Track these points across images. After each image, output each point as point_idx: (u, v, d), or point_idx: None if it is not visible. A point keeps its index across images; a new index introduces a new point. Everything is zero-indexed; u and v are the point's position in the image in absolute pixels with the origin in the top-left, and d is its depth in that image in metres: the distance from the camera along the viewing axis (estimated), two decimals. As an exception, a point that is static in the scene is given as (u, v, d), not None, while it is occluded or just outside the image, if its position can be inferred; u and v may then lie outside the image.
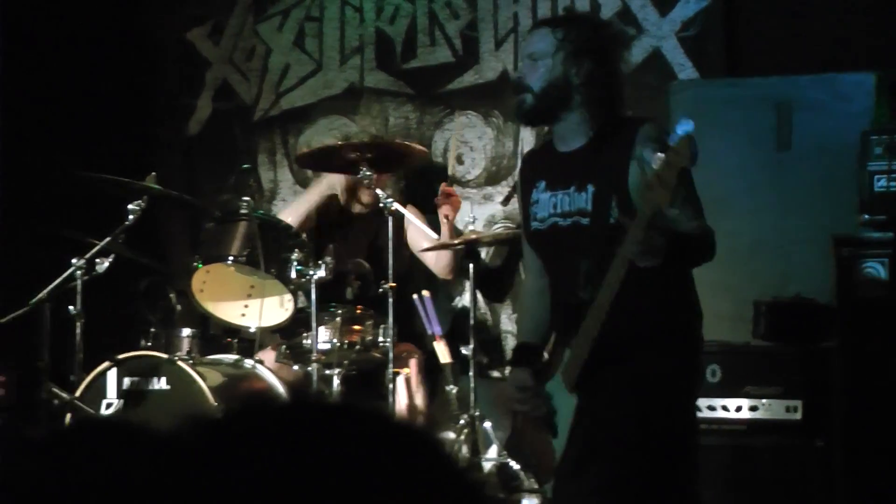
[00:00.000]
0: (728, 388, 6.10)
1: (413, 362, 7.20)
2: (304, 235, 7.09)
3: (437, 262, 7.48)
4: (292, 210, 7.58)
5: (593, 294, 4.46)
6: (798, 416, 6.07)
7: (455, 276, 7.64)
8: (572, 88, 4.67)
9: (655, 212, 4.19)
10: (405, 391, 7.12)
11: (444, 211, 7.33)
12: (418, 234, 7.38)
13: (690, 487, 4.67)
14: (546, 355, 4.88)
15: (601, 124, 4.71)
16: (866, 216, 6.24)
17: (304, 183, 8.68)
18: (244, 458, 1.29)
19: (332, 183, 7.72)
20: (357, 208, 7.71)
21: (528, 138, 8.15)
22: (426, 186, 8.30)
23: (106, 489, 1.42)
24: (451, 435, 7.07)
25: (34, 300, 6.84)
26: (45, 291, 6.83)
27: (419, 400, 7.19)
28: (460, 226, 8.11)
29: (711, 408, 6.10)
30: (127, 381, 6.92)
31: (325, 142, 8.06)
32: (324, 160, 7.36)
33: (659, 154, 4.17)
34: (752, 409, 6.12)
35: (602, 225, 4.56)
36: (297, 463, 1.28)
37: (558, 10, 8.20)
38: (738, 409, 6.10)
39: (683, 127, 4.18)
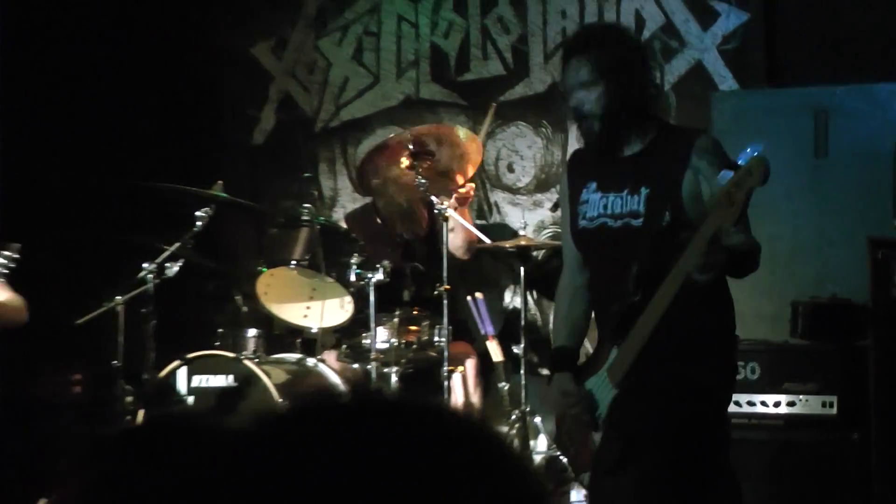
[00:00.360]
0: (767, 385, 6.12)
1: (470, 363, 7.24)
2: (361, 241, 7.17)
3: (452, 243, 7.45)
4: None
5: (644, 298, 4.51)
6: (834, 411, 6.07)
7: (470, 255, 7.64)
8: (631, 106, 4.69)
9: (719, 228, 4.24)
10: (462, 389, 7.16)
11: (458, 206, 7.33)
12: (456, 233, 7.42)
13: (728, 483, 4.70)
14: (591, 350, 4.94)
15: (655, 132, 4.73)
16: (900, 219, 6.24)
17: (364, 193, 8.75)
18: (310, 453, 1.26)
19: None
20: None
21: (575, 146, 8.22)
22: (482, 195, 8.40)
23: (178, 482, 1.41)
24: (504, 429, 7.12)
25: (108, 303, 6.92)
26: (119, 294, 6.90)
27: (475, 398, 7.23)
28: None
29: (751, 403, 6.12)
30: (196, 379, 6.98)
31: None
32: (381, 177, 7.37)
33: (729, 173, 4.20)
34: (790, 404, 6.13)
35: (654, 227, 4.59)
36: (363, 455, 1.25)
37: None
38: (777, 404, 6.11)
39: (755, 148, 4.21)
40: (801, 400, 6.13)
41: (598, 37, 4.86)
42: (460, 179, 7.39)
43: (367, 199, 7.85)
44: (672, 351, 4.50)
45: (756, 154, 4.18)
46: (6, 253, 5.70)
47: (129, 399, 6.92)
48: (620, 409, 4.58)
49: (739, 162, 4.22)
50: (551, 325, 8.08)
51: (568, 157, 7.76)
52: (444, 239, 6.88)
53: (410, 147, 7.03)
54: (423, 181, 6.92)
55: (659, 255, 4.49)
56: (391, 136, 7.62)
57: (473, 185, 7.57)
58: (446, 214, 6.84)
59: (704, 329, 4.64)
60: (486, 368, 7.40)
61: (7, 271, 5.69)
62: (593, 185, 4.80)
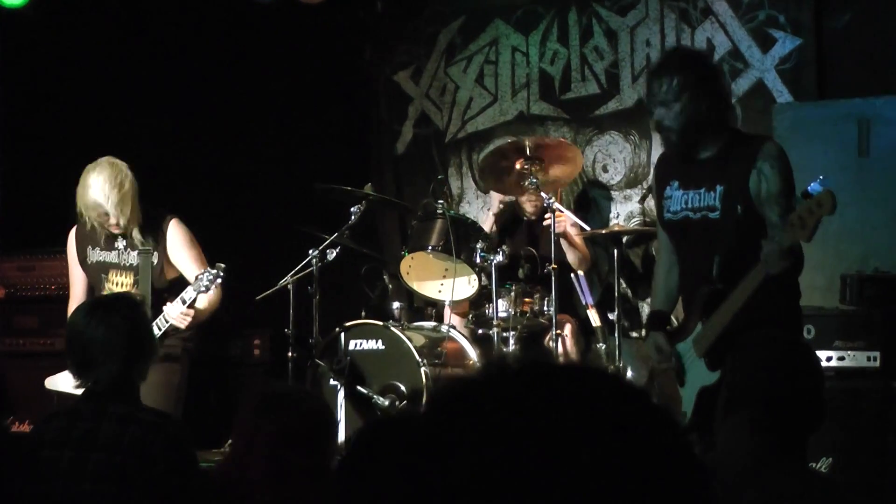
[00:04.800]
0: (821, 343, 6.01)
1: (569, 327, 7.20)
2: (485, 230, 7.18)
3: (573, 259, 7.44)
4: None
5: (726, 286, 4.48)
6: (877, 364, 5.97)
7: (588, 267, 7.61)
8: (703, 120, 4.63)
9: (793, 243, 4.26)
10: (562, 348, 7.13)
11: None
12: (572, 251, 7.40)
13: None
14: (675, 321, 4.89)
15: (728, 138, 4.68)
16: (931, 206, 6.14)
17: (485, 189, 8.74)
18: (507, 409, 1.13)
19: (498, 203, 7.80)
20: (526, 214, 7.71)
21: (658, 151, 8.17)
22: (583, 191, 8.38)
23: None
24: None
25: (282, 281, 6.96)
26: (290, 275, 6.94)
27: (573, 355, 7.19)
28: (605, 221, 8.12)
29: (807, 358, 6.04)
30: (352, 343, 6.97)
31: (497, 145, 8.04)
32: (498, 173, 7.28)
33: (802, 202, 4.21)
34: (840, 359, 6.03)
35: (729, 218, 4.56)
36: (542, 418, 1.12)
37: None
38: (829, 359, 6.00)
39: (823, 182, 4.22)
40: (849, 355, 6.03)
41: (677, 61, 4.79)
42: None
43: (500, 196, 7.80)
44: (753, 326, 4.43)
45: (827, 188, 4.16)
46: (213, 271, 5.77)
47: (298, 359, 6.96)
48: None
49: (810, 190, 4.20)
50: (643, 296, 8.09)
51: (654, 159, 7.77)
52: (553, 228, 6.84)
53: (528, 152, 7.00)
54: (534, 180, 6.90)
55: (737, 244, 4.47)
56: (509, 140, 7.63)
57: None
58: (553, 207, 6.81)
59: (780, 311, 4.59)
60: (586, 332, 7.37)
61: (214, 286, 5.77)
62: (676, 184, 4.77)
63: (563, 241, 7.14)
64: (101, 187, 5.88)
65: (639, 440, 1.13)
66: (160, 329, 5.73)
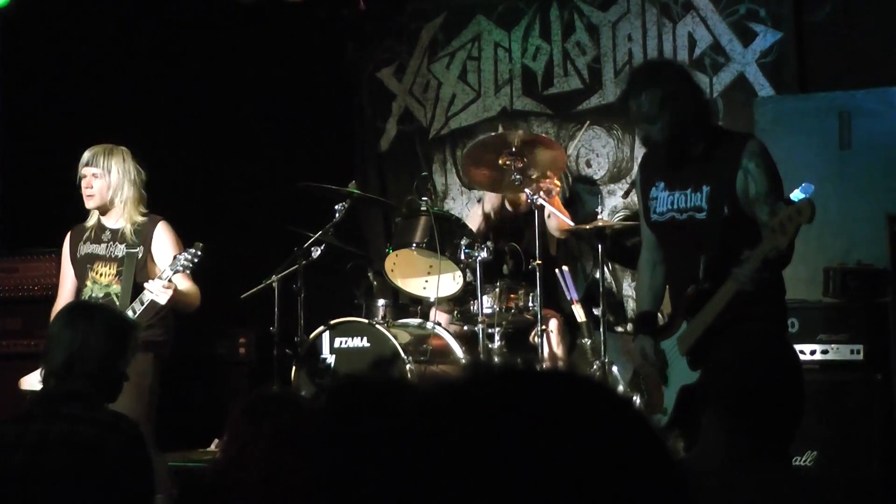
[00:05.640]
0: (805, 336, 6.03)
1: (554, 322, 7.20)
2: (473, 223, 7.18)
3: (550, 225, 7.43)
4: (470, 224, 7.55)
5: (713, 286, 4.49)
6: (861, 356, 5.99)
7: (564, 235, 7.61)
8: (688, 128, 4.63)
9: (771, 249, 4.24)
10: (547, 344, 7.12)
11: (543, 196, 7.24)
12: (553, 219, 7.40)
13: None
14: (662, 317, 4.89)
15: (711, 138, 4.68)
16: (913, 198, 6.15)
17: (469, 185, 8.74)
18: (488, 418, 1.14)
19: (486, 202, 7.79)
20: (512, 211, 7.71)
21: (641, 147, 8.17)
22: (567, 187, 8.37)
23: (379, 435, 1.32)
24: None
25: (266, 280, 6.97)
26: (275, 273, 6.94)
27: (559, 351, 7.19)
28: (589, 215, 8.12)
29: (791, 352, 6.05)
30: (337, 341, 6.98)
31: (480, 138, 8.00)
32: (480, 166, 7.26)
33: (784, 208, 4.20)
34: (824, 352, 6.05)
35: (716, 219, 4.56)
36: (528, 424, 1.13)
37: (663, 48, 8.19)
38: (813, 352, 6.03)
39: (806, 189, 4.23)
40: (833, 348, 6.05)
41: (651, 76, 4.78)
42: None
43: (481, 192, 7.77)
44: (737, 322, 4.43)
45: (807, 196, 4.18)
46: (192, 250, 5.75)
47: (284, 357, 6.96)
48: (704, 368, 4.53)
49: (792, 198, 4.21)
50: (625, 290, 8.09)
51: (638, 157, 7.75)
52: (537, 223, 6.83)
53: (514, 147, 6.96)
54: (518, 176, 6.88)
55: (723, 244, 4.48)
56: (494, 133, 7.58)
57: (557, 181, 7.49)
58: (539, 204, 6.80)
59: (764, 305, 4.57)
60: (571, 328, 7.36)
61: (192, 266, 5.74)
62: (661, 185, 4.77)
63: (546, 205, 7.04)
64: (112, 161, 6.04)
65: (617, 446, 1.14)
66: (135, 312, 5.71)
